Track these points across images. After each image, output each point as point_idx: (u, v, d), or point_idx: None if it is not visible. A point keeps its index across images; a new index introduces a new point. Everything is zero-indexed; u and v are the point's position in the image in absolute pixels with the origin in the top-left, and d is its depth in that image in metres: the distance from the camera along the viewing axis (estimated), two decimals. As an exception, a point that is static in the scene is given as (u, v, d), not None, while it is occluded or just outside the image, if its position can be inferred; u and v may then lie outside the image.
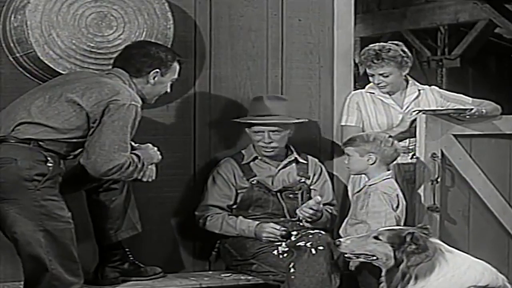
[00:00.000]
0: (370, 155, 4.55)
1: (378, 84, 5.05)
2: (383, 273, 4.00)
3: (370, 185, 4.55)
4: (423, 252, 3.87)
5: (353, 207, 4.60)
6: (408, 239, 3.89)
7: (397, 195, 4.53)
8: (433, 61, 11.70)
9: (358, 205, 4.54)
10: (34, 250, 3.96)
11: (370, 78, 5.10)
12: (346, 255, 4.07)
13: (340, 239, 4.09)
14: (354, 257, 4.05)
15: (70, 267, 4.02)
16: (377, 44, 5.10)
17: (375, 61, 4.99)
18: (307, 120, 4.97)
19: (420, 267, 3.86)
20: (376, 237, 3.99)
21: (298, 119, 4.86)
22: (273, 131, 4.75)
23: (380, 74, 5.02)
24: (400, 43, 5.15)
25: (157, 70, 4.29)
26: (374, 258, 3.99)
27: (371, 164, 4.55)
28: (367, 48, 5.08)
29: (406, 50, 5.09)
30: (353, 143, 4.59)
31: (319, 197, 4.69)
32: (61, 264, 3.99)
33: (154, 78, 4.30)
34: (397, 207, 4.50)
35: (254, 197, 4.77)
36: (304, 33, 5.14)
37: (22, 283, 4.14)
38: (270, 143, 4.76)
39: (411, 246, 3.88)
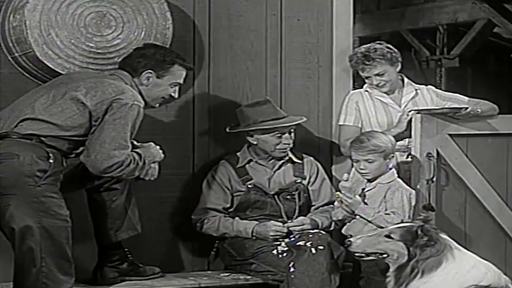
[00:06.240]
0: (392, 155, 4.61)
1: (378, 84, 5.05)
2: (391, 270, 4.01)
3: (388, 182, 4.56)
4: (435, 244, 3.90)
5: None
6: (419, 231, 3.93)
7: (412, 193, 4.61)
8: (432, 61, 11.68)
9: (376, 202, 4.54)
10: (28, 245, 3.96)
11: (367, 81, 5.10)
12: (357, 254, 4.04)
13: (351, 239, 4.05)
14: (365, 256, 4.03)
15: (62, 266, 4.02)
16: (360, 47, 5.09)
17: (366, 62, 5.00)
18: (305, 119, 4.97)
19: (428, 262, 3.89)
20: (388, 236, 4.00)
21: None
22: (290, 131, 4.78)
23: (376, 75, 5.03)
24: (382, 42, 5.16)
25: (150, 71, 4.30)
26: (385, 256, 4.00)
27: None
28: (352, 53, 5.09)
29: (391, 46, 5.10)
30: (378, 149, 4.55)
31: (302, 218, 4.68)
32: (54, 262, 3.99)
33: (148, 79, 4.30)
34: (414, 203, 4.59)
35: (251, 200, 4.77)
36: (303, 33, 5.15)
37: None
38: (289, 143, 4.77)
39: (423, 239, 3.91)
